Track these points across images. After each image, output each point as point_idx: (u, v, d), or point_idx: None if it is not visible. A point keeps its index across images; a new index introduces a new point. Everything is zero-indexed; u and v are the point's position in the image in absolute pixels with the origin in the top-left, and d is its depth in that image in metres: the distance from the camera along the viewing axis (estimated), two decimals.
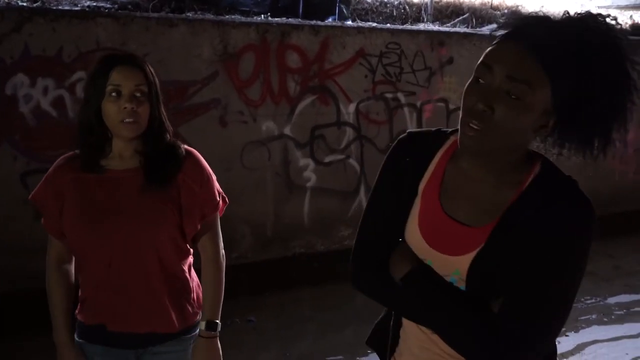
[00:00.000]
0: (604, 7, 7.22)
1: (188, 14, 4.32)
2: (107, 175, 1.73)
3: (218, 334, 1.85)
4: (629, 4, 6.88)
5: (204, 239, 1.85)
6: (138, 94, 1.67)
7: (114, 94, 1.65)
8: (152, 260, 1.73)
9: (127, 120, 1.65)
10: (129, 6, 4.18)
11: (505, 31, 1.16)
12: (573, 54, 1.09)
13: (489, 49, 1.17)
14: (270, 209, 4.69)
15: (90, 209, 1.70)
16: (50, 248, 1.84)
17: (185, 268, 1.85)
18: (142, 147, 1.74)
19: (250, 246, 4.64)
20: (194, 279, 1.89)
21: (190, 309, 1.84)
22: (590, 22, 1.13)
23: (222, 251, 1.90)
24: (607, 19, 1.14)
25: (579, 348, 3.70)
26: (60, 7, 3.84)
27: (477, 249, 1.21)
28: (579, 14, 1.15)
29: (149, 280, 1.73)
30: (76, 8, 3.90)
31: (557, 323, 1.18)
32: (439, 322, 1.25)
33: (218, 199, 1.85)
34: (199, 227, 1.81)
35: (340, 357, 3.62)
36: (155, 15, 4.12)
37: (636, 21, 7.00)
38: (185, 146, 1.83)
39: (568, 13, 1.15)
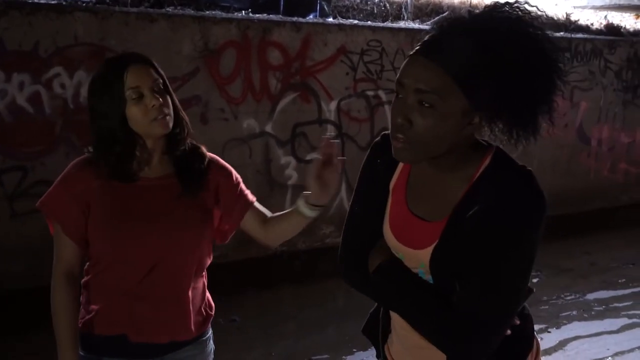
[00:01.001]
0: (580, 7, 7.32)
1: (168, 9, 4.25)
2: (139, 184, 1.64)
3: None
4: (604, 4, 6.99)
5: (253, 215, 1.82)
6: (157, 89, 1.60)
7: (134, 96, 1.56)
8: (191, 268, 1.69)
9: (159, 117, 1.58)
10: (108, 0, 4.08)
11: (417, 47, 1.22)
12: (478, 54, 1.14)
13: (402, 65, 1.22)
14: None
15: (125, 215, 1.61)
16: (60, 259, 1.67)
17: (205, 272, 1.81)
18: (167, 146, 1.67)
19: (231, 245, 4.53)
20: (205, 283, 1.85)
21: (204, 312, 1.79)
22: (497, 15, 1.18)
23: None
24: (519, 9, 1.18)
25: (562, 344, 3.73)
26: (36, 1, 3.73)
27: (435, 243, 1.27)
28: (487, 6, 1.21)
29: (182, 288, 1.67)
30: (53, 2, 3.80)
31: (506, 307, 1.22)
32: (405, 309, 1.33)
33: (251, 196, 1.84)
34: (235, 228, 1.79)
35: (326, 355, 3.60)
36: (135, 10, 4.04)
37: (610, 22, 7.11)
38: (206, 151, 1.78)
39: (475, 9, 1.23)
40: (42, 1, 3.77)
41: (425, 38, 1.22)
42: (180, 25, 4.12)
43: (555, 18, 6.51)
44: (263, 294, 4.44)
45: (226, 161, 1.84)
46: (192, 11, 4.29)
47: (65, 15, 3.75)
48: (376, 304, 1.57)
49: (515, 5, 1.19)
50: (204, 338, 1.80)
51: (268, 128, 4.62)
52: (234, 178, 1.79)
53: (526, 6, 1.19)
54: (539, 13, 1.20)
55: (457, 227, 1.24)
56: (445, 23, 1.20)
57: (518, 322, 1.31)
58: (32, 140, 3.74)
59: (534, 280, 4.94)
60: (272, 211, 1.64)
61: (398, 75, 1.22)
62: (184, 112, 1.73)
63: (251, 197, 1.82)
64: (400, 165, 1.38)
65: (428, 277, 1.31)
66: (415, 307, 1.29)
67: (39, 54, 3.70)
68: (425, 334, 1.30)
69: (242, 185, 1.82)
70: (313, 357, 3.56)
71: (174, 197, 1.66)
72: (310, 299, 4.41)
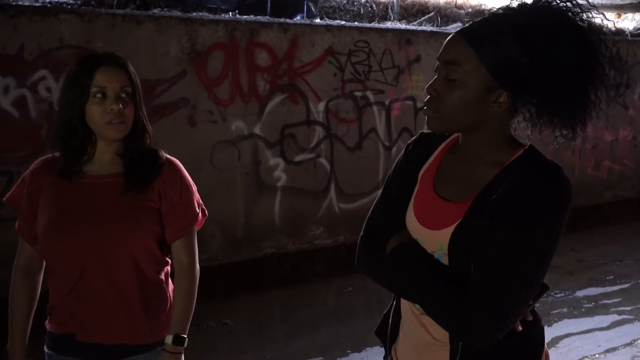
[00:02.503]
0: None
1: (154, 10, 4.21)
2: (85, 181, 1.66)
3: (183, 351, 1.74)
4: (597, 4, 7.05)
5: (179, 249, 1.76)
6: (123, 95, 1.61)
7: (98, 95, 1.58)
8: (128, 268, 1.66)
9: (114, 121, 1.60)
10: (93, 2, 4.04)
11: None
12: (502, 30, 1.22)
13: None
14: (240, 209, 4.62)
15: (65, 214, 1.63)
16: (20, 254, 1.75)
17: (162, 277, 1.77)
18: (122, 149, 1.69)
19: (220, 247, 4.56)
20: (170, 290, 1.81)
21: (165, 319, 1.76)
22: (534, 6, 1.25)
23: (197, 264, 1.81)
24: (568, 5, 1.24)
25: (554, 342, 3.75)
26: (20, 3, 3.68)
27: (457, 223, 1.28)
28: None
29: (123, 289, 1.66)
30: (37, 4, 3.75)
31: (518, 296, 1.20)
32: (416, 291, 1.31)
33: (197, 210, 1.78)
34: (177, 238, 1.74)
35: (320, 358, 3.58)
36: (121, 11, 3.99)
37: (593, 21, 7.17)
38: (167, 155, 1.76)
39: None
40: (26, 3, 3.72)
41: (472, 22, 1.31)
42: (167, 27, 4.09)
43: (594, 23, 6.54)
44: (254, 296, 4.41)
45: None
46: (179, 13, 4.26)
47: (50, 18, 3.70)
48: (389, 306, 1.57)
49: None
50: (184, 344, 1.77)
51: (257, 130, 4.60)
52: (182, 194, 1.73)
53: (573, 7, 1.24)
54: (585, 8, 1.24)
55: (481, 208, 1.25)
56: (490, 15, 1.28)
57: (530, 318, 1.29)
58: (18, 145, 3.69)
59: None
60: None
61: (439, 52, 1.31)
62: (148, 123, 1.74)
63: (190, 222, 1.76)
64: (434, 155, 1.43)
65: (445, 262, 1.31)
66: (427, 289, 1.28)
67: (24, 57, 3.65)
68: (436, 316, 1.29)
69: (190, 206, 1.75)
70: None
71: (116, 195, 1.66)
72: (301, 301, 4.39)
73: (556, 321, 4.09)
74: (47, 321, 1.74)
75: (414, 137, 1.52)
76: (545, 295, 1.35)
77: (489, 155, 1.31)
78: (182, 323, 1.74)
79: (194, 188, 1.79)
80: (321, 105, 4.85)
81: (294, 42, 4.63)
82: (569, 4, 1.23)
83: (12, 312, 1.73)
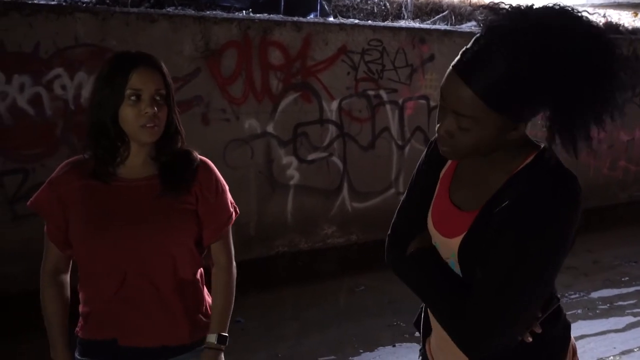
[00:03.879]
0: (578, 5, 7.30)
1: (168, 9, 4.23)
2: (119, 184, 1.64)
3: (223, 349, 1.76)
4: (603, 2, 6.98)
5: (218, 249, 1.77)
6: (158, 98, 1.59)
7: (133, 97, 1.56)
8: (167, 270, 1.65)
9: (148, 124, 1.58)
10: (108, 1, 4.06)
11: (457, 59, 1.20)
12: (506, 64, 1.09)
13: (445, 75, 1.21)
14: (253, 207, 4.63)
15: (102, 218, 1.60)
16: (47, 258, 1.72)
17: (198, 277, 1.78)
18: (155, 152, 1.67)
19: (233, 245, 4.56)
20: (204, 289, 1.82)
21: (202, 319, 1.76)
22: (545, 22, 1.12)
23: (234, 262, 1.83)
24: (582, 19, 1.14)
25: None
26: (36, 2, 3.70)
27: (465, 232, 1.28)
28: (528, 10, 1.15)
29: (163, 290, 1.65)
30: (53, 2, 3.78)
31: (519, 305, 1.18)
32: (427, 295, 1.34)
33: (231, 210, 1.79)
34: (215, 239, 1.75)
35: (333, 357, 3.58)
36: (135, 10, 4.01)
37: (609, 19, 7.11)
38: (199, 156, 1.76)
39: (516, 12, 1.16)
40: (42, 2, 3.75)
41: (465, 49, 1.19)
42: (181, 26, 4.10)
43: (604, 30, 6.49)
44: (265, 294, 4.42)
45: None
46: (193, 11, 4.28)
47: (65, 16, 3.72)
48: (400, 303, 1.58)
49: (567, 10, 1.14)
50: (202, 347, 1.76)
51: (269, 128, 4.60)
52: (217, 195, 1.74)
53: (580, 12, 1.16)
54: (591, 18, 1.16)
55: (487, 218, 1.24)
56: (483, 34, 1.16)
57: (539, 330, 1.27)
58: (33, 143, 3.72)
59: None
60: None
61: (442, 83, 1.22)
62: (181, 125, 1.73)
63: (225, 222, 1.77)
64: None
65: (457, 269, 1.31)
66: (434, 295, 1.31)
67: (39, 55, 3.68)
68: (440, 322, 1.31)
69: (225, 206, 1.76)
70: (319, 359, 3.54)
71: (153, 198, 1.64)
72: (313, 299, 4.39)
73: (570, 322, 4.04)
74: (78, 328, 1.72)
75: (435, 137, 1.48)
76: (555, 304, 1.33)
77: (504, 162, 1.28)
78: (223, 321, 1.76)
79: (227, 187, 1.79)
80: (334, 104, 4.84)
81: (307, 41, 4.63)
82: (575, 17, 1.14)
83: (47, 320, 1.71)
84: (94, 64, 3.74)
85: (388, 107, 5.12)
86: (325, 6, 5.01)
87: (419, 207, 1.44)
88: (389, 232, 1.52)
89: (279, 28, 4.50)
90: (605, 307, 4.36)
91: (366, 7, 5.34)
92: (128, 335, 1.65)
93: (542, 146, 1.29)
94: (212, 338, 1.73)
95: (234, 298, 1.81)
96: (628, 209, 6.84)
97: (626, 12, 8.01)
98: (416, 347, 1.62)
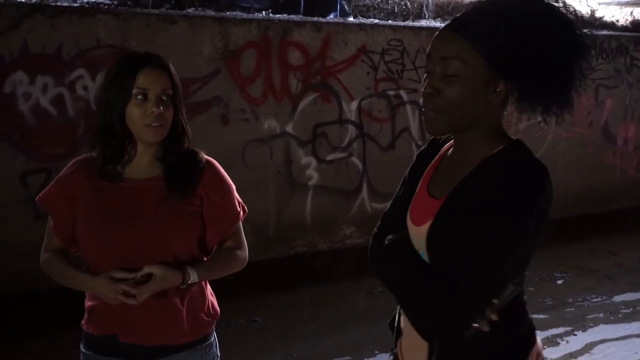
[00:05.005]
0: (604, 3, 7.20)
1: (188, 10, 4.26)
2: (125, 184, 1.66)
3: (182, 283, 1.64)
4: (630, 0, 6.86)
5: (229, 245, 1.80)
6: (164, 98, 1.62)
7: (140, 97, 1.59)
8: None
9: (153, 124, 1.60)
10: (129, 2, 4.11)
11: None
12: (495, 21, 1.21)
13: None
14: (272, 207, 4.64)
15: (107, 216, 1.63)
16: (48, 244, 1.75)
17: None
18: (162, 152, 1.69)
19: (252, 245, 4.50)
20: (207, 287, 1.83)
21: (204, 318, 1.77)
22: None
23: (247, 253, 1.84)
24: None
25: (588, 347, 3.66)
26: (59, 4, 3.77)
27: (433, 218, 1.30)
28: None
29: (166, 291, 1.66)
30: (75, 4, 3.84)
31: (474, 290, 1.19)
32: (392, 285, 1.33)
33: (239, 209, 1.80)
34: (220, 238, 1.77)
35: (348, 357, 3.57)
36: (156, 11, 4.06)
37: (637, 18, 6.98)
38: (205, 156, 1.77)
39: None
40: (65, 4, 3.81)
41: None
42: (200, 27, 4.13)
43: (579, 14, 6.40)
44: (283, 294, 4.43)
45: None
46: (213, 12, 4.30)
47: (87, 18, 3.78)
48: None
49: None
50: (204, 344, 1.78)
51: (289, 128, 4.61)
52: (223, 195, 1.75)
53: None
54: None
55: (453, 204, 1.27)
56: (476, 4, 1.28)
57: (495, 318, 1.23)
58: (56, 142, 3.78)
59: (558, 282, 4.87)
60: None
61: (428, 50, 1.29)
62: (187, 126, 1.74)
63: (233, 222, 1.78)
64: (437, 156, 1.45)
65: (427, 258, 1.32)
66: (398, 282, 1.31)
67: (62, 56, 3.74)
68: (403, 308, 1.32)
69: (232, 206, 1.77)
70: (335, 359, 3.55)
71: (159, 199, 1.66)
72: (331, 300, 4.39)
73: (591, 326, 3.99)
74: (84, 322, 1.75)
75: (429, 139, 1.54)
76: (513, 293, 1.30)
77: (478, 150, 1.30)
78: (204, 268, 1.69)
79: (233, 187, 1.80)
80: (354, 104, 4.83)
81: (326, 41, 4.63)
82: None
83: (63, 274, 1.70)
84: None
85: (408, 107, 5.09)
86: (345, 6, 5.00)
87: (402, 205, 1.46)
88: (374, 229, 1.52)
89: (298, 28, 4.51)
90: (628, 311, 4.28)
91: (387, 6, 5.32)
92: (128, 332, 1.67)
93: (515, 139, 1.32)
94: (190, 271, 1.65)
95: (228, 269, 1.77)
96: None
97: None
98: None
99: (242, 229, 1.84)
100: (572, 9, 1.26)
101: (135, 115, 1.60)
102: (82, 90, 3.81)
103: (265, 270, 4.60)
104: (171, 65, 1.67)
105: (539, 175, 1.21)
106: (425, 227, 1.31)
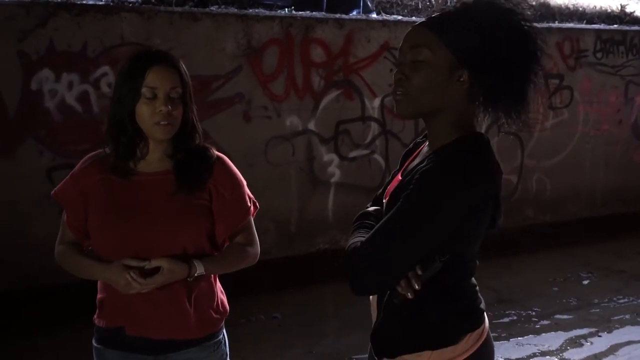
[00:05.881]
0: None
1: (212, 7, 4.29)
2: (136, 178, 1.69)
3: (188, 276, 1.65)
4: None
5: (241, 240, 1.81)
6: (173, 96, 1.64)
7: (149, 95, 1.61)
8: None
9: (162, 122, 1.62)
10: (153, 0, 4.15)
11: None
12: (459, 17, 1.35)
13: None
14: (294, 204, 4.65)
15: (117, 210, 1.66)
16: (62, 238, 1.78)
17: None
18: (172, 149, 1.71)
19: (274, 242, 4.61)
20: (217, 284, 1.84)
21: (213, 315, 1.78)
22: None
23: (258, 249, 1.84)
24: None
25: (613, 349, 3.59)
26: (84, 2, 3.82)
27: (389, 194, 1.45)
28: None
29: (174, 285, 1.67)
30: (100, 3, 3.89)
31: (390, 253, 1.32)
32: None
33: (249, 204, 1.81)
34: (230, 233, 1.77)
35: (367, 355, 3.56)
36: (179, 9, 4.09)
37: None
38: (216, 151, 1.78)
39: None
40: (90, 2, 3.86)
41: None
42: (223, 24, 4.16)
43: (609, 10, 6.28)
44: (305, 291, 4.44)
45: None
46: (236, 9, 4.32)
47: (112, 16, 3.83)
48: None
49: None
50: (213, 341, 1.78)
51: (311, 125, 4.61)
52: (233, 190, 1.76)
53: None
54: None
55: (404, 182, 1.41)
56: (445, 9, 1.41)
57: (417, 287, 1.32)
58: (81, 139, 3.83)
59: (584, 283, 4.79)
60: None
61: (400, 45, 1.43)
62: (198, 123, 1.75)
63: (243, 217, 1.79)
64: (421, 146, 1.57)
65: None
66: (350, 240, 1.45)
67: (87, 54, 3.80)
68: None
69: (242, 201, 1.78)
70: (354, 357, 3.54)
71: (168, 193, 1.68)
72: (352, 297, 4.29)
73: (617, 328, 3.91)
74: (95, 316, 1.78)
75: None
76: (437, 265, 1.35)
77: (441, 138, 1.40)
78: (211, 262, 1.70)
79: (244, 182, 1.81)
80: (376, 102, 4.81)
81: (349, 38, 4.62)
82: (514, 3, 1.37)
83: (77, 265, 1.72)
84: None
85: None
86: (368, 3, 4.97)
87: (385, 186, 1.58)
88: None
89: (320, 25, 4.50)
90: None
91: (410, 3, 5.28)
92: (135, 325, 1.69)
93: (477, 132, 1.42)
94: (196, 263, 1.65)
95: (236, 265, 1.78)
96: None
97: None
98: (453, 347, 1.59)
99: (254, 225, 1.85)
100: (528, 19, 1.38)
101: (145, 113, 1.62)
102: (106, 87, 3.86)
103: (286, 267, 4.61)
104: (181, 64, 1.69)
105: (471, 166, 1.31)
106: (386, 202, 1.47)
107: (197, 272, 1.66)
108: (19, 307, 3.72)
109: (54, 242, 1.78)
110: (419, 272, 1.31)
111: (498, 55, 1.33)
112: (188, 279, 1.66)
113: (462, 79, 1.36)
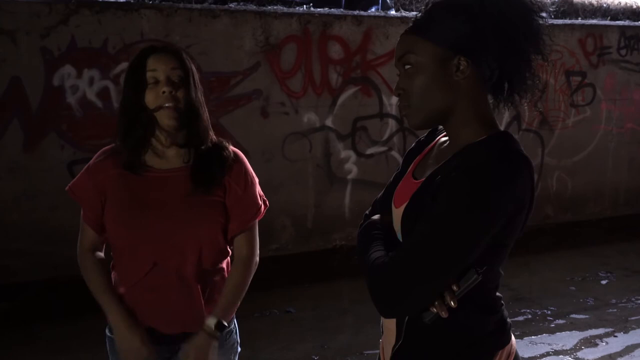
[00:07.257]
0: None
1: (230, 4, 4.33)
2: (151, 174, 1.70)
3: (219, 337, 1.73)
4: None
5: (241, 242, 1.81)
6: (175, 79, 1.65)
7: (152, 81, 1.64)
8: (194, 260, 1.71)
9: (166, 104, 1.63)
10: None
11: None
12: (439, 7, 1.28)
13: None
14: (311, 200, 4.68)
15: (134, 204, 1.68)
16: (83, 238, 1.79)
17: (224, 266, 1.82)
18: (184, 141, 1.72)
19: (290, 237, 4.64)
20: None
21: None
22: None
23: (257, 257, 1.85)
24: None
25: (629, 350, 3.54)
26: None
27: (408, 200, 1.32)
28: None
29: (187, 280, 1.70)
30: (120, 0, 3.96)
31: (426, 269, 1.18)
32: (362, 263, 1.32)
33: (260, 203, 1.82)
34: (240, 230, 1.79)
35: (378, 351, 3.58)
36: (198, 6, 4.14)
37: None
38: (231, 147, 1.80)
39: None
40: None
41: None
42: (242, 21, 4.20)
43: (635, 7, 6.17)
44: (321, 287, 4.47)
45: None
46: (254, 6, 4.36)
47: (132, 13, 3.89)
48: None
49: None
50: (225, 331, 1.79)
51: (328, 122, 4.64)
52: (246, 188, 1.77)
53: None
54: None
55: (428, 186, 1.29)
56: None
57: (454, 305, 1.20)
58: (101, 134, 3.91)
59: (603, 282, 4.74)
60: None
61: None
62: (206, 110, 1.75)
63: (253, 215, 1.80)
64: (429, 145, 1.47)
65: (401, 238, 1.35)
66: (365, 260, 1.31)
67: (107, 50, 3.87)
68: (367, 282, 1.30)
69: (254, 199, 1.79)
70: (366, 352, 3.56)
71: (183, 189, 1.69)
72: (367, 294, 4.37)
73: (634, 328, 3.86)
74: None
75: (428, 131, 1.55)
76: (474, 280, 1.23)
77: (463, 138, 1.30)
78: (228, 309, 1.75)
79: (256, 180, 1.82)
80: (394, 99, 4.80)
81: (367, 35, 4.63)
82: None
83: (95, 289, 1.74)
84: None
85: None
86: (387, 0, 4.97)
87: (391, 188, 1.47)
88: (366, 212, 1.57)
89: (339, 22, 4.52)
90: None
91: None
92: (149, 319, 1.72)
93: (502, 130, 1.31)
94: (211, 322, 1.69)
95: (245, 290, 1.80)
96: None
97: None
98: None
99: (257, 227, 1.85)
100: None
101: (150, 99, 1.63)
102: None
103: (303, 263, 4.65)
104: (184, 52, 1.71)
105: (517, 162, 1.19)
106: (402, 208, 1.32)
107: (224, 330, 1.73)
108: (44, 296, 3.82)
109: (76, 234, 1.81)
110: (455, 288, 1.20)
111: (490, 28, 1.24)
112: (217, 335, 1.72)
113: (461, 68, 1.26)
